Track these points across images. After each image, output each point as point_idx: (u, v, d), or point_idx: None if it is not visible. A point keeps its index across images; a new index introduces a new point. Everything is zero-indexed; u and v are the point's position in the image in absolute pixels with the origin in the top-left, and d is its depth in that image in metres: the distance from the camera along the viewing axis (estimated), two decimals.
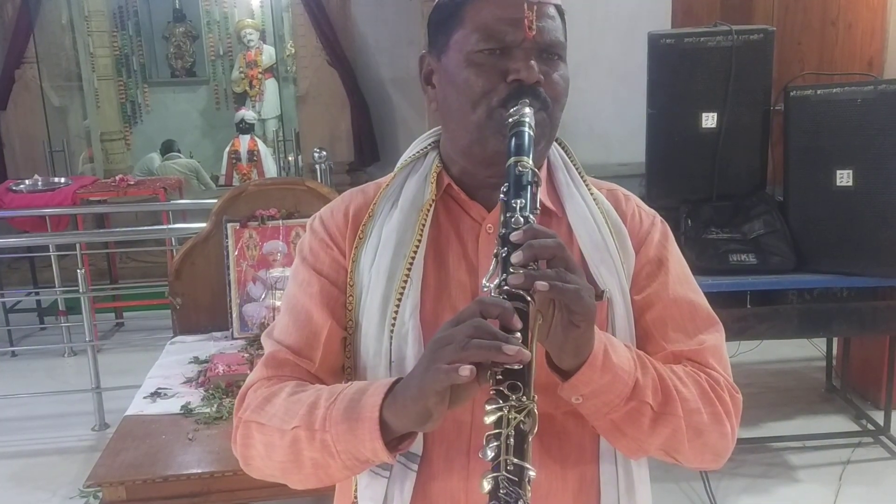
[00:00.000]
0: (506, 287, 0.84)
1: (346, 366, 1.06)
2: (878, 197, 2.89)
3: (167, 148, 8.03)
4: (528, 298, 0.84)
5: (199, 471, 1.84)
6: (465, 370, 0.80)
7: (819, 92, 2.99)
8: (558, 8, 1.03)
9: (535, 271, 0.84)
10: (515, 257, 0.84)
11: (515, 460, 0.80)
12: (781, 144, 3.11)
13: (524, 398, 0.82)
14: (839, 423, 3.63)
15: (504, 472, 0.80)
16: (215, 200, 2.86)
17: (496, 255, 0.88)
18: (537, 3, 0.98)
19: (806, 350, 4.24)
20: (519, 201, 0.89)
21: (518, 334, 0.82)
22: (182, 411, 2.09)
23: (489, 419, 0.81)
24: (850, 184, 2.92)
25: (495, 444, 0.81)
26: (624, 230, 1.08)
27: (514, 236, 0.86)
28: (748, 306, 3.05)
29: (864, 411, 3.63)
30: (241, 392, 1.06)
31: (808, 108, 2.99)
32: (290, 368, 1.04)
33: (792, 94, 3.03)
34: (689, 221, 3.07)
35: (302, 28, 6.28)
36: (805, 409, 3.77)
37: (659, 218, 1.14)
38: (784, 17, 4.29)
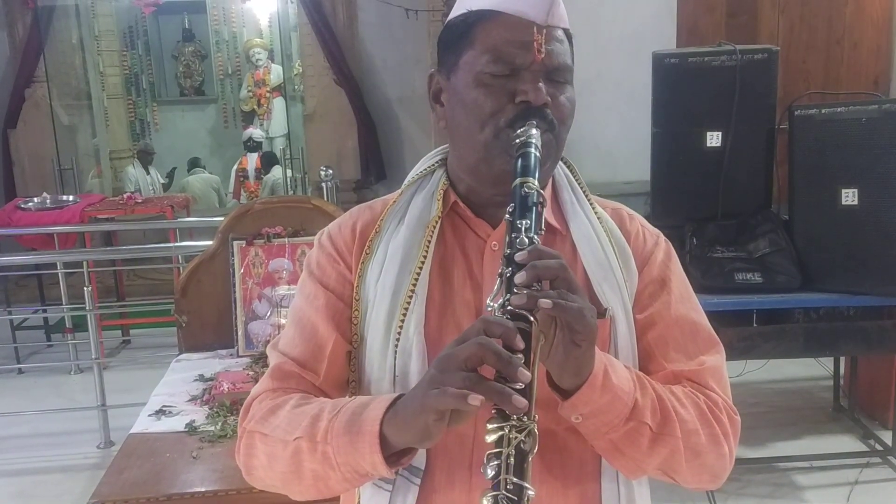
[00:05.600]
0: (509, 307, 0.85)
1: (351, 380, 1.07)
2: (883, 215, 2.89)
3: (193, 164, 8.17)
4: (531, 319, 0.85)
5: (203, 489, 1.84)
6: (476, 400, 0.81)
7: (824, 111, 3.00)
8: (566, 32, 1.04)
9: (537, 292, 0.85)
10: (519, 277, 0.85)
11: (515, 480, 0.81)
12: (786, 163, 3.11)
13: (525, 418, 0.83)
14: (847, 443, 3.60)
15: (504, 492, 0.81)
16: (221, 218, 2.87)
17: (500, 275, 0.89)
18: (547, 27, 0.99)
19: (813, 369, 4.22)
20: (524, 222, 0.90)
21: (520, 355, 0.83)
22: (186, 429, 2.08)
23: (490, 438, 0.83)
24: (856, 202, 2.91)
25: (496, 462, 0.82)
26: (627, 249, 1.09)
27: (519, 256, 0.87)
28: (754, 325, 3.03)
29: (871, 431, 3.61)
30: (246, 402, 1.08)
31: (812, 127, 2.99)
32: (295, 380, 1.06)
33: (797, 113, 3.04)
34: (695, 240, 3.06)
35: (309, 48, 6.33)
36: (812, 428, 3.74)
37: (663, 237, 1.15)
38: (789, 37, 4.30)
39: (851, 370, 3.74)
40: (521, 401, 0.81)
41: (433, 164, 1.14)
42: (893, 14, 3.83)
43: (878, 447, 3.50)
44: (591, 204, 1.12)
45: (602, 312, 1.00)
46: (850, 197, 2.92)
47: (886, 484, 3.28)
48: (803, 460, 3.41)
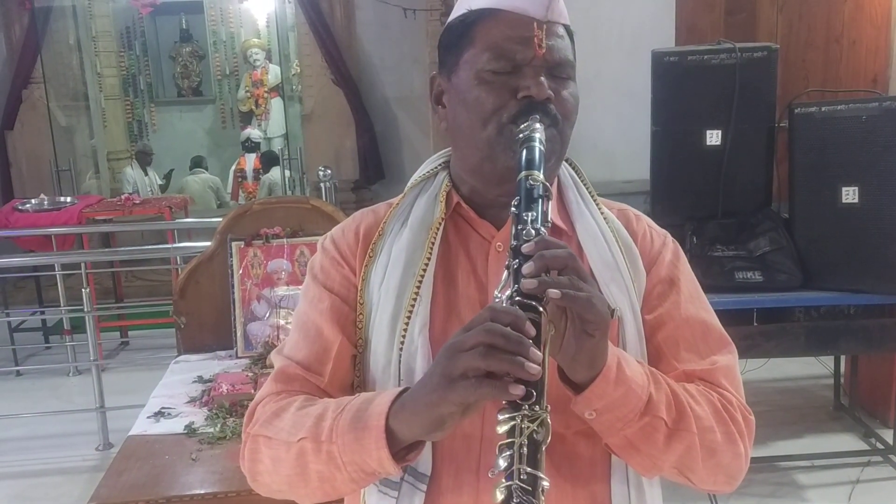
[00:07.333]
0: (517, 298, 0.84)
1: (356, 383, 1.06)
2: (884, 213, 2.88)
3: (195, 164, 8.12)
4: (541, 309, 0.84)
5: (203, 491, 1.83)
6: (519, 389, 0.80)
7: (824, 109, 2.99)
8: (567, 28, 1.03)
9: (548, 278, 0.84)
10: (527, 268, 0.84)
11: (529, 469, 0.79)
12: (786, 161, 3.11)
13: (537, 407, 0.81)
14: (848, 441, 3.60)
15: (517, 482, 0.79)
16: (220, 219, 2.86)
17: (508, 267, 0.88)
18: (547, 23, 0.99)
19: (814, 368, 4.21)
20: (530, 214, 0.89)
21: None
22: (185, 431, 2.07)
23: (502, 428, 0.81)
24: (856, 200, 2.91)
25: (508, 453, 0.80)
26: (635, 249, 1.08)
27: (526, 247, 0.86)
28: (754, 324, 3.03)
29: (872, 430, 3.61)
30: (251, 408, 1.06)
31: (812, 125, 2.99)
32: (299, 383, 1.05)
33: (796, 111, 3.03)
34: (695, 239, 3.06)
35: (307, 47, 6.31)
36: (813, 427, 3.74)
37: (670, 238, 1.14)
38: (788, 35, 4.30)
39: (852, 369, 3.73)
40: (533, 367, 0.79)
41: (436, 167, 1.14)
42: (892, 12, 3.82)
43: (880, 446, 3.49)
44: (597, 204, 1.11)
45: (610, 312, 0.99)
46: (850, 195, 2.91)
47: (888, 483, 3.27)
48: (804, 459, 3.40)
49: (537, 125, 0.96)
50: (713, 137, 3.07)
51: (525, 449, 0.80)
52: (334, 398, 1.03)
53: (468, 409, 0.84)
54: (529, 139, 0.95)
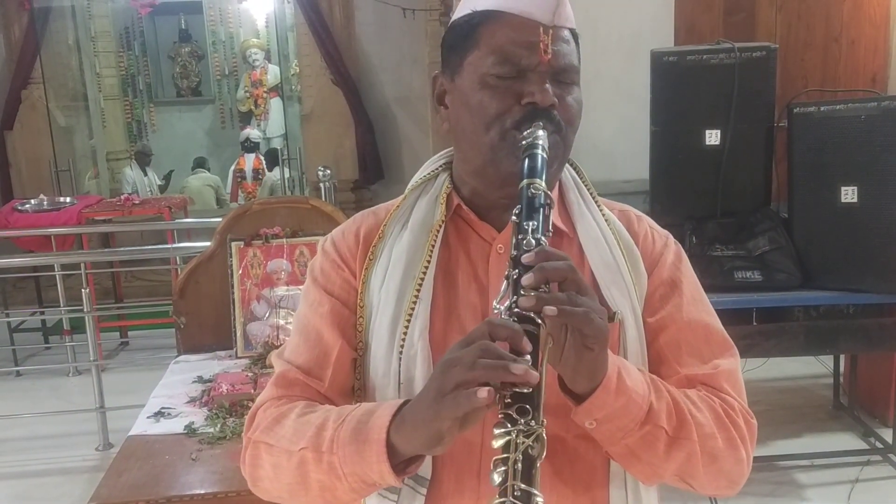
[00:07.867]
0: (516, 309, 0.84)
1: (356, 387, 1.06)
2: (883, 213, 2.88)
3: (198, 164, 8.16)
4: (539, 321, 0.83)
5: (203, 491, 1.83)
6: (483, 392, 0.79)
7: (822, 108, 2.99)
8: (573, 32, 1.03)
9: (545, 294, 0.83)
10: (526, 280, 0.84)
11: (523, 486, 0.79)
12: (785, 161, 3.11)
13: (533, 422, 0.81)
14: (847, 441, 3.60)
15: (511, 498, 0.79)
16: (219, 219, 2.86)
17: (507, 278, 0.87)
18: (553, 28, 0.98)
19: (813, 367, 4.21)
20: (531, 223, 0.89)
21: (528, 357, 0.81)
22: (185, 431, 2.08)
23: (497, 443, 0.81)
24: (855, 200, 2.91)
25: (503, 468, 0.80)
26: (636, 251, 1.08)
27: (526, 258, 0.85)
28: (754, 323, 3.03)
29: (872, 429, 3.61)
30: (251, 412, 1.06)
31: (811, 124, 2.98)
32: (300, 388, 1.04)
33: (795, 110, 3.03)
34: (694, 238, 3.06)
35: (306, 47, 6.32)
36: (813, 426, 3.74)
37: (672, 239, 1.13)
38: (787, 34, 4.30)
39: (851, 368, 3.73)
40: (519, 367, 0.79)
41: (437, 168, 1.13)
42: (891, 11, 3.82)
43: (879, 445, 3.50)
44: (598, 206, 1.11)
45: (611, 316, 0.97)
46: (849, 194, 2.91)
47: (887, 482, 3.28)
48: (804, 458, 3.41)
49: (540, 132, 0.96)
50: (712, 137, 3.07)
51: (519, 464, 0.79)
52: (335, 402, 1.03)
53: (465, 423, 0.84)
54: (532, 146, 0.95)
